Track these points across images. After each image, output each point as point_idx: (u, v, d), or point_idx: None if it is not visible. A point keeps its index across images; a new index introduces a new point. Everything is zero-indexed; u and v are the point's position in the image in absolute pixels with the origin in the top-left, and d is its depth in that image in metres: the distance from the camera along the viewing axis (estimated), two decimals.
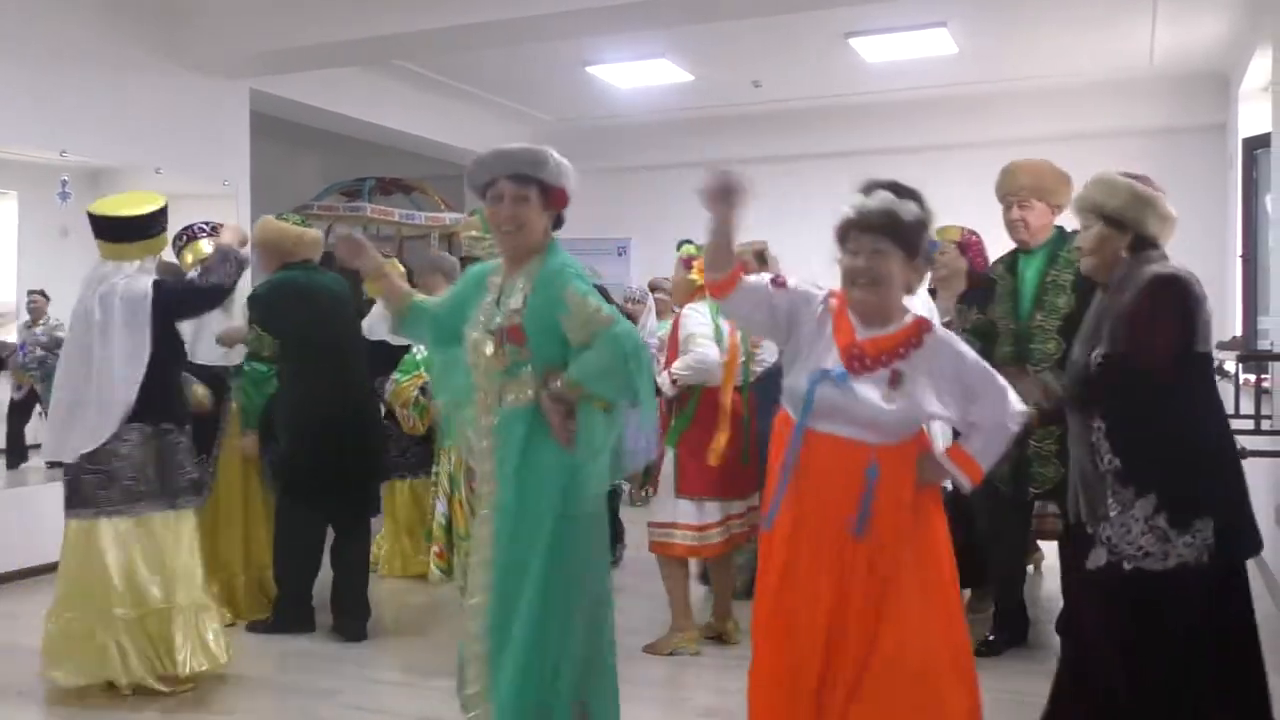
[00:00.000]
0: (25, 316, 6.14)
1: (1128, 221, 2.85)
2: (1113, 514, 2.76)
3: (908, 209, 2.57)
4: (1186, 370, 2.74)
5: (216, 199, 6.99)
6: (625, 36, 7.11)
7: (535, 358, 2.71)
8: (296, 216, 4.90)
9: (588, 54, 7.76)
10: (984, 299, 4.31)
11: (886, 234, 2.55)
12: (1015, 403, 2.67)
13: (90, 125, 6.16)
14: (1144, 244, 2.84)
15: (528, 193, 2.73)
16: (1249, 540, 2.82)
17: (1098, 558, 2.79)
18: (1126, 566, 2.74)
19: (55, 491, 3.87)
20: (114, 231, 3.85)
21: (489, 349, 2.72)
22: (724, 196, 2.57)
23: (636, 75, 8.35)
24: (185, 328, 4.10)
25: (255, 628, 4.63)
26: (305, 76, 7.43)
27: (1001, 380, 2.66)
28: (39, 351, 5.97)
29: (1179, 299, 2.72)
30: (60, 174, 6.14)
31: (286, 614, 4.59)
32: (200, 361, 4.56)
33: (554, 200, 2.78)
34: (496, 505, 2.73)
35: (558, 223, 2.88)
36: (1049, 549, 4.99)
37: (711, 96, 8.95)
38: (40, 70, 5.90)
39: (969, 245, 4.87)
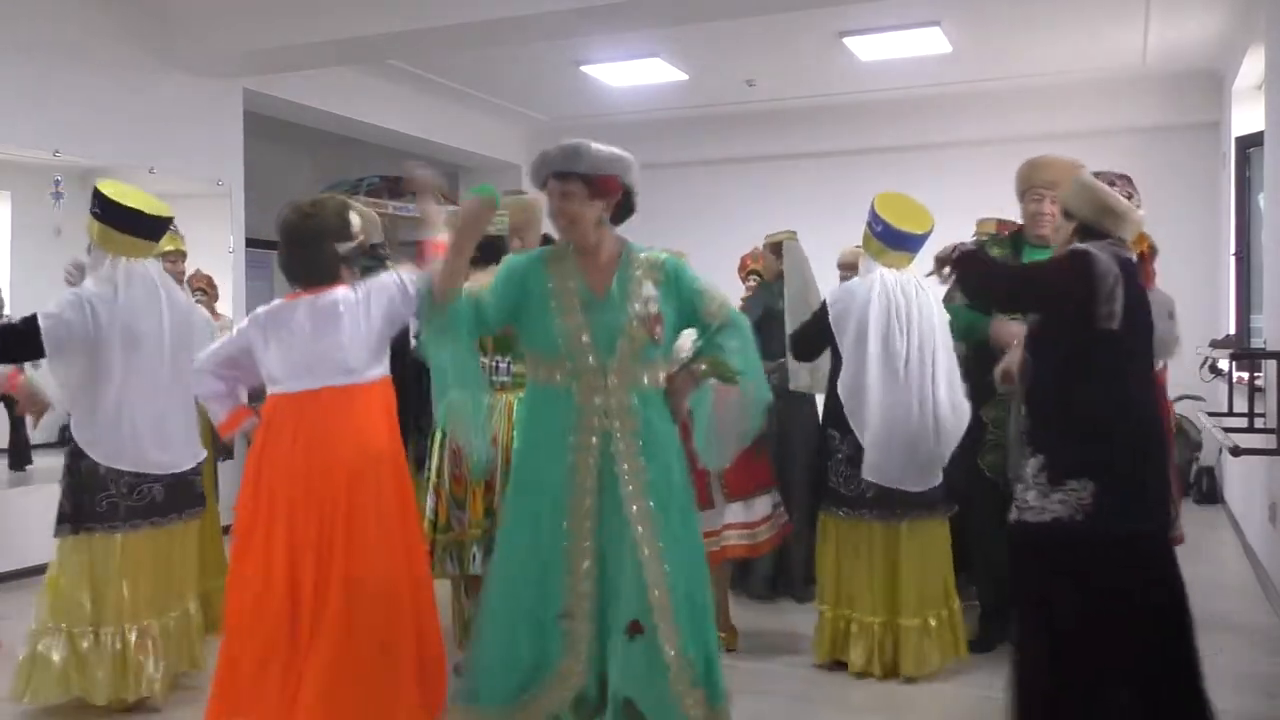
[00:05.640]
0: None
1: (1093, 226, 3.02)
2: (1024, 471, 3.01)
3: None
4: (1087, 345, 2.90)
5: (211, 199, 6.99)
6: (619, 36, 7.10)
7: (666, 343, 2.89)
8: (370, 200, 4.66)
9: (581, 53, 7.75)
10: None
11: None
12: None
13: (84, 125, 6.15)
14: (1092, 233, 3.00)
15: (571, 188, 2.83)
16: (1135, 511, 2.90)
17: (1010, 512, 3.05)
18: (1013, 516, 3.00)
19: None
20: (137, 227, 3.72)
21: (629, 335, 2.81)
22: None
23: (630, 74, 8.34)
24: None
25: None
26: (299, 76, 7.42)
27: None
28: None
29: (1068, 268, 2.91)
30: (54, 174, 6.13)
31: None
32: None
33: (601, 189, 2.83)
34: (649, 481, 2.80)
35: (626, 210, 2.94)
36: None
37: (705, 95, 8.94)
38: (34, 70, 5.89)
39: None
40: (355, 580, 3.02)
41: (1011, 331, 3.79)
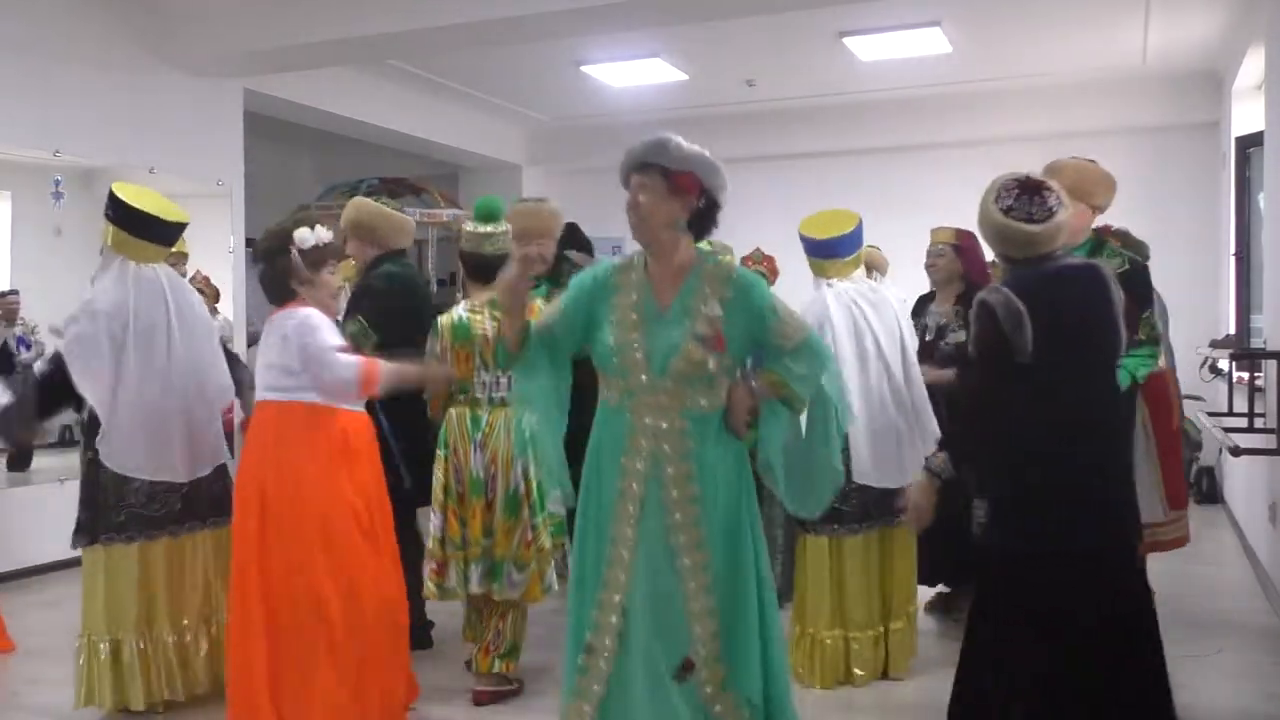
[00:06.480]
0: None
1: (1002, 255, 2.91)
2: None
3: None
4: (1001, 376, 2.74)
5: (211, 199, 6.98)
6: (619, 36, 7.11)
7: (731, 363, 2.70)
8: (392, 201, 4.61)
9: (581, 53, 7.75)
10: None
11: None
12: None
13: (84, 125, 6.15)
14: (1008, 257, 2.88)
15: (648, 180, 2.67)
16: (1037, 531, 2.73)
17: None
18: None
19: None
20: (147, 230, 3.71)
21: (684, 354, 2.63)
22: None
23: (630, 75, 8.34)
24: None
25: None
26: (299, 76, 7.42)
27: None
28: (24, 355, 5.88)
29: (979, 329, 2.77)
30: (54, 174, 6.13)
31: None
32: None
33: (679, 186, 2.67)
34: (701, 510, 2.64)
35: (708, 221, 2.78)
36: None
37: (705, 96, 8.94)
38: (34, 70, 5.89)
39: (963, 248, 4.76)
40: (272, 580, 3.28)
41: None
